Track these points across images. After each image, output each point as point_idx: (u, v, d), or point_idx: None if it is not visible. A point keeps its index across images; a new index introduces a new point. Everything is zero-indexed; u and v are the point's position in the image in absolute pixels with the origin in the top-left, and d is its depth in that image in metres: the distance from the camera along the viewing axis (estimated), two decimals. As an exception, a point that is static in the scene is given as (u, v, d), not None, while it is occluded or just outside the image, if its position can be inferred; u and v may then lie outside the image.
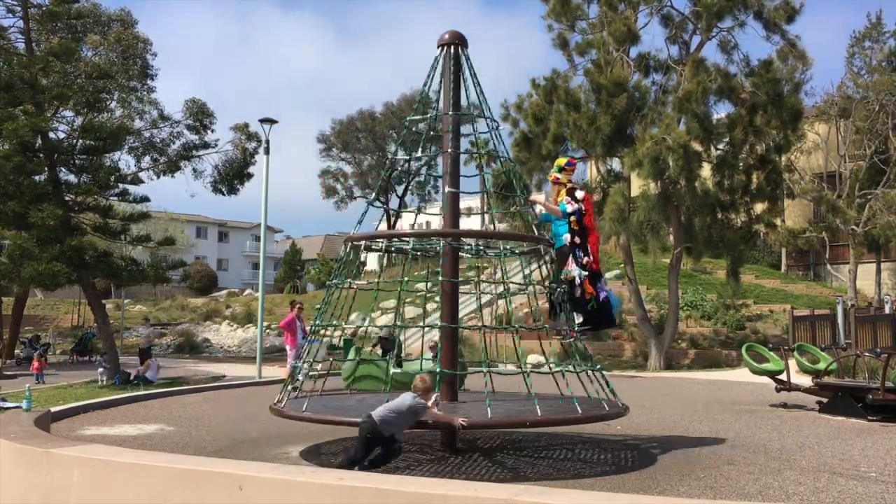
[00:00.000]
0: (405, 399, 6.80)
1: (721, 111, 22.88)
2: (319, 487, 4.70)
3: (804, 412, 11.97)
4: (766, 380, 13.57)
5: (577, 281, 8.25)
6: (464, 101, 8.87)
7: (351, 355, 11.37)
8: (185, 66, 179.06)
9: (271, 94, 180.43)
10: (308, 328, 16.27)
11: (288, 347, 15.87)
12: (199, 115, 26.62)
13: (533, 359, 15.83)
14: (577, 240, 8.40)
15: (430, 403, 6.88)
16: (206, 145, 27.00)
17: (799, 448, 8.57)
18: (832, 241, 34.12)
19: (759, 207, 23.77)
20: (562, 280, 8.37)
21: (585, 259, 8.36)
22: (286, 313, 16.34)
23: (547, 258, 8.61)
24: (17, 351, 24.80)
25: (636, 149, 20.50)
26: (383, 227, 50.32)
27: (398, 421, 6.74)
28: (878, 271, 33.05)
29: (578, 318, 8.31)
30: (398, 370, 10.67)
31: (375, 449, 6.74)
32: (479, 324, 8.65)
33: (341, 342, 12.07)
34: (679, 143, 19.76)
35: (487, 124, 9.16)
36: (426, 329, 10.05)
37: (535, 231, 9.04)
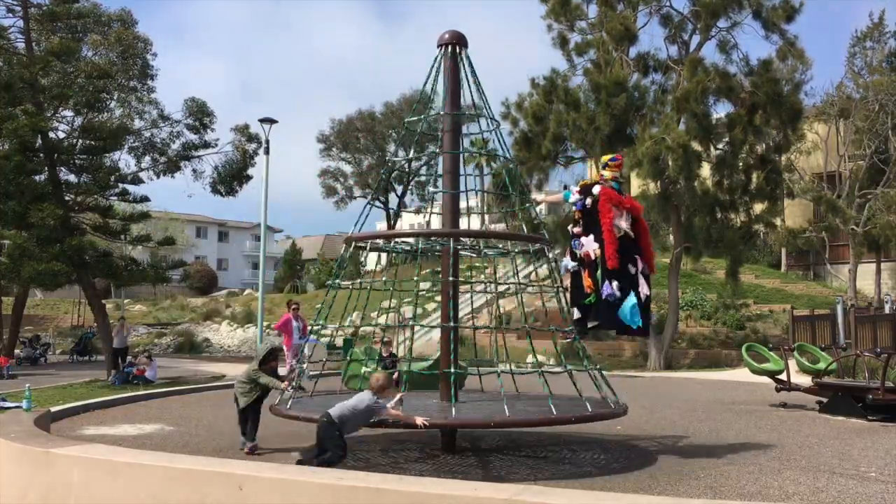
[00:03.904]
0: (363, 398, 6.80)
1: (721, 111, 22.91)
2: (319, 487, 4.70)
3: (804, 412, 11.97)
4: (766, 380, 13.57)
5: (568, 269, 8.11)
6: (469, 101, 8.90)
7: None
8: (215, 47, 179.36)
9: (305, 77, 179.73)
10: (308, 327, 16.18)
11: (285, 348, 15.83)
12: (199, 115, 26.60)
13: (532, 359, 15.81)
14: (577, 230, 8.17)
15: (391, 403, 6.87)
16: (206, 145, 26.97)
17: (799, 448, 8.57)
18: (832, 241, 34.14)
19: (758, 207, 23.77)
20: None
21: (585, 251, 7.99)
22: (285, 313, 16.27)
23: (549, 257, 8.63)
24: (17, 351, 24.79)
25: (635, 148, 20.51)
26: (383, 227, 50.28)
27: (354, 419, 6.75)
28: (878, 271, 33.06)
29: (576, 314, 8.08)
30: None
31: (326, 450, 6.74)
32: (475, 323, 8.66)
33: (341, 342, 12.08)
34: (678, 143, 19.77)
35: (488, 123, 9.17)
36: (421, 329, 10.02)
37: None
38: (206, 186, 28.84)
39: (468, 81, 8.81)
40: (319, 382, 9.32)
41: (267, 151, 20.55)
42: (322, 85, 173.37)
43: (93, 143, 19.60)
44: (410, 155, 9.89)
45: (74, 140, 20.64)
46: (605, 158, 8.45)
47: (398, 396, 7.09)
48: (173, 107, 27.96)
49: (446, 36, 8.80)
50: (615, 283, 7.76)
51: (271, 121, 20.47)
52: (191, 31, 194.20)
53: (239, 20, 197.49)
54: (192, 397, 14.18)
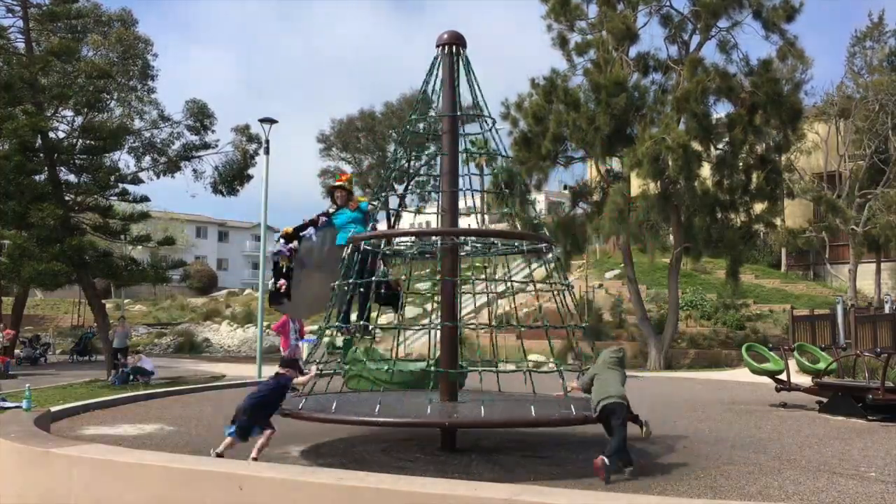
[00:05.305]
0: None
1: (721, 111, 22.92)
2: (319, 487, 4.70)
3: (804, 412, 11.97)
4: (766, 380, 13.56)
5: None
6: (469, 101, 8.91)
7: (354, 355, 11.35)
8: (221, 45, 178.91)
9: (309, 76, 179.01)
10: (305, 328, 16.10)
11: (282, 350, 15.76)
12: (200, 116, 26.64)
13: (533, 359, 15.81)
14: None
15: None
16: (206, 146, 27.02)
17: (799, 448, 8.57)
18: (832, 241, 34.13)
19: (758, 207, 23.78)
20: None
21: None
22: (284, 314, 16.17)
23: (549, 256, 8.64)
24: (17, 351, 24.81)
25: (635, 148, 20.51)
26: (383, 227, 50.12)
27: None
28: (878, 271, 33.05)
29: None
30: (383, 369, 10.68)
31: None
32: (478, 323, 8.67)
33: (341, 342, 12.03)
34: (678, 143, 19.76)
35: (481, 125, 9.17)
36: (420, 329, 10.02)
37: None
38: (206, 186, 28.93)
39: (468, 81, 8.81)
40: (319, 383, 9.30)
41: (267, 151, 20.57)
42: (325, 84, 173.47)
43: (93, 143, 19.60)
44: (409, 155, 10.11)
45: (74, 140, 20.65)
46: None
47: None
48: (179, 104, 28.06)
49: (445, 36, 8.79)
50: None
51: (271, 121, 20.50)
52: (197, 29, 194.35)
53: (242, 19, 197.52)
54: (192, 397, 14.17)
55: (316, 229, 9.37)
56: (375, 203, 10.13)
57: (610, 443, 6.97)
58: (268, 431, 6.99)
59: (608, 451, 6.84)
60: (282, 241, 9.31)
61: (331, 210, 9.40)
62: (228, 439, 6.90)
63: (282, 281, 9.21)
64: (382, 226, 11.89)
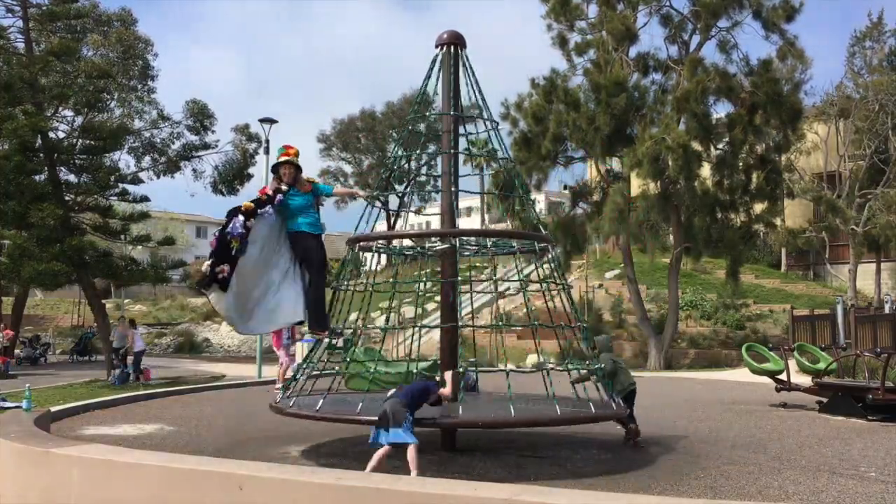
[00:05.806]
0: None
1: (721, 111, 22.92)
2: (319, 487, 4.70)
3: (804, 412, 11.97)
4: (766, 380, 13.57)
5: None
6: (466, 101, 8.89)
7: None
8: (226, 43, 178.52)
9: (313, 76, 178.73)
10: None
11: (275, 349, 15.76)
12: (200, 116, 26.63)
13: (533, 359, 15.81)
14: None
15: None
16: (206, 146, 27.02)
17: (799, 448, 8.57)
18: (832, 241, 34.11)
19: (758, 207, 23.78)
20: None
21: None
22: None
23: (550, 256, 8.64)
24: (16, 351, 24.81)
25: (635, 148, 20.51)
26: (382, 227, 50.20)
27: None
28: (878, 271, 33.03)
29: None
30: (384, 370, 10.67)
31: None
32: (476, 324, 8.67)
33: (341, 342, 12.03)
34: (678, 143, 19.76)
35: (486, 124, 9.17)
36: (423, 329, 10.00)
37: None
38: (206, 186, 28.94)
39: (467, 82, 8.80)
40: (318, 382, 9.30)
41: (267, 151, 20.58)
42: (325, 84, 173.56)
43: (93, 143, 19.61)
44: (409, 155, 10.00)
45: (74, 140, 20.65)
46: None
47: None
48: (179, 104, 28.07)
49: (444, 36, 8.78)
50: None
51: (271, 121, 20.54)
52: (197, 29, 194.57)
53: (242, 19, 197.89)
54: (192, 397, 14.19)
55: (274, 207, 8.04)
56: (378, 203, 9.76)
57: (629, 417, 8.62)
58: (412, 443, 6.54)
59: (630, 420, 8.64)
60: (241, 217, 7.74)
61: (283, 188, 8.09)
62: (383, 449, 6.46)
63: (224, 266, 7.77)
64: (382, 226, 11.84)
